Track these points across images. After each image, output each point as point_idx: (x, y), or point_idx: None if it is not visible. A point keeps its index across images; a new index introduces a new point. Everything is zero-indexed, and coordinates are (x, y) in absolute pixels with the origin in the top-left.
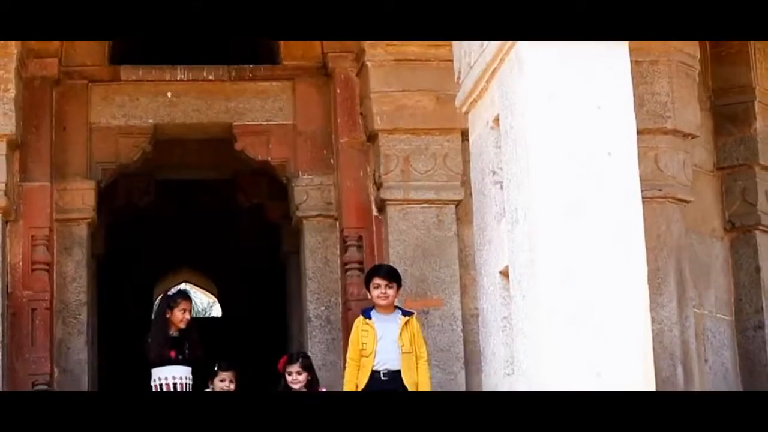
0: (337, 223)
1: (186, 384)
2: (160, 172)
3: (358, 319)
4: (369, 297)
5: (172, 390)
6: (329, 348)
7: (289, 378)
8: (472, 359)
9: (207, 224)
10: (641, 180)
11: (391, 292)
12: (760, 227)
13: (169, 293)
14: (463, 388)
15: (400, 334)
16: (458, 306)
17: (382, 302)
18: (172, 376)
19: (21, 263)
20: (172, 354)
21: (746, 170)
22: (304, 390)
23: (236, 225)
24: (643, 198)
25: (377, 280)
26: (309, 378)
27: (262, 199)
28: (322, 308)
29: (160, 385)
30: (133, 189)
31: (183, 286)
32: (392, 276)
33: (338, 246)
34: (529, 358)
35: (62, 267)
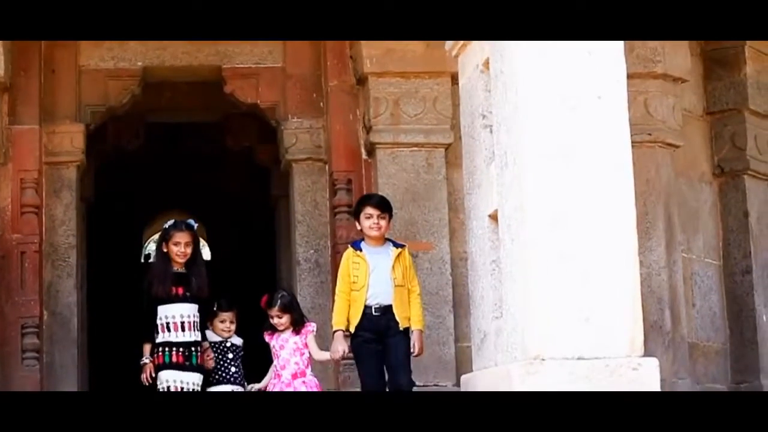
0: (327, 167)
1: (193, 323)
2: (150, 114)
3: (347, 252)
4: (359, 228)
5: (179, 327)
6: (318, 291)
7: (272, 320)
8: (460, 302)
9: (196, 167)
10: (631, 124)
11: (383, 222)
12: (749, 172)
13: (166, 225)
14: (451, 331)
15: (393, 266)
16: (447, 249)
17: (374, 233)
18: (180, 314)
19: (10, 206)
20: (180, 291)
21: (736, 115)
22: (290, 329)
23: (225, 168)
24: (632, 142)
25: (369, 210)
26: (292, 317)
27: (252, 143)
28: (311, 251)
29: (167, 323)
30: (122, 132)
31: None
32: (384, 206)
33: (327, 189)
34: (517, 302)
35: (51, 210)
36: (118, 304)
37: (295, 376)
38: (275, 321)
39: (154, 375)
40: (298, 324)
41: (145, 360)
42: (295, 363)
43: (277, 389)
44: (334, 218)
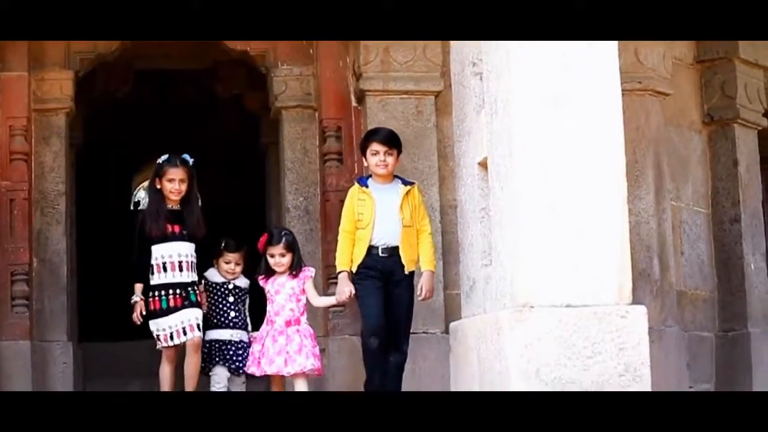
0: (316, 114)
1: (190, 263)
2: (139, 61)
3: (353, 188)
4: (365, 164)
5: (176, 267)
6: (307, 238)
7: (271, 260)
8: (450, 250)
9: (186, 114)
10: (621, 72)
11: (390, 159)
12: (739, 121)
13: (160, 159)
14: (440, 279)
15: (401, 205)
16: (437, 197)
17: (381, 171)
18: (177, 254)
19: None
20: (176, 229)
21: (726, 63)
22: (288, 273)
23: (215, 115)
24: (622, 90)
25: (375, 146)
26: (293, 259)
27: (242, 90)
28: (301, 199)
29: (163, 264)
30: (111, 79)
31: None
32: (392, 141)
33: (317, 136)
34: (506, 249)
35: (40, 157)
36: (108, 252)
37: (288, 324)
38: (275, 261)
39: (144, 313)
40: (296, 267)
41: (136, 298)
42: (290, 309)
43: (269, 336)
44: (324, 165)
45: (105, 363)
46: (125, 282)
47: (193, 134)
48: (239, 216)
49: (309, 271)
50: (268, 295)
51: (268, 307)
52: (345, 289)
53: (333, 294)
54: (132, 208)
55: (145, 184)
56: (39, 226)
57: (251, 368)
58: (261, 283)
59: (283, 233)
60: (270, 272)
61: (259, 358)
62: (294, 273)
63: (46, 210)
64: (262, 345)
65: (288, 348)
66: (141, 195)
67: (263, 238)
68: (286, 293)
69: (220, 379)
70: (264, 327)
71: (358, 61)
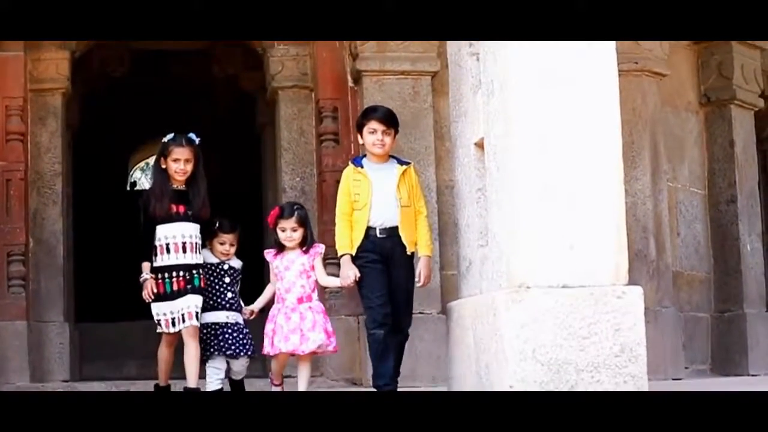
0: (313, 94)
1: (194, 244)
2: (135, 41)
3: (347, 169)
4: (361, 143)
5: (180, 249)
6: None
7: (282, 235)
8: (446, 230)
9: (182, 95)
10: (618, 53)
11: (387, 139)
12: (735, 101)
13: (165, 139)
14: (437, 259)
15: (398, 185)
16: (433, 178)
17: (377, 150)
18: (181, 234)
19: None
20: (180, 209)
21: (723, 45)
22: (299, 249)
23: (211, 96)
24: (619, 71)
25: (373, 124)
26: (304, 234)
27: (237, 70)
28: (297, 179)
29: (167, 245)
30: (107, 59)
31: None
32: (390, 120)
33: (313, 117)
34: (503, 230)
35: (37, 137)
36: (104, 232)
37: (300, 301)
38: (286, 235)
39: (155, 291)
40: (307, 243)
41: (145, 275)
42: (301, 286)
43: (281, 314)
44: (320, 146)
45: (101, 343)
46: (122, 262)
47: (189, 115)
48: (234, 196)
49: (320, 248)
50: (276, 272)
51: (278, 284)
52: (350, 273)
53: (332, 275)
54: (128, 188)
55: (142, 164)
56: (35, 207)
57: (266, 348)
58: (269, 258)
59: (295, 207)
60: (281, 248)
61: (272, 336)
62: (305, 249)
63: (42, 190)
64: (275, 323)
65: (302, 326)
66: (137, 175)
67: (274, 212)
68: (297, 270)
69: (217, 374)
70: (275, 305)
71: (355, 42)
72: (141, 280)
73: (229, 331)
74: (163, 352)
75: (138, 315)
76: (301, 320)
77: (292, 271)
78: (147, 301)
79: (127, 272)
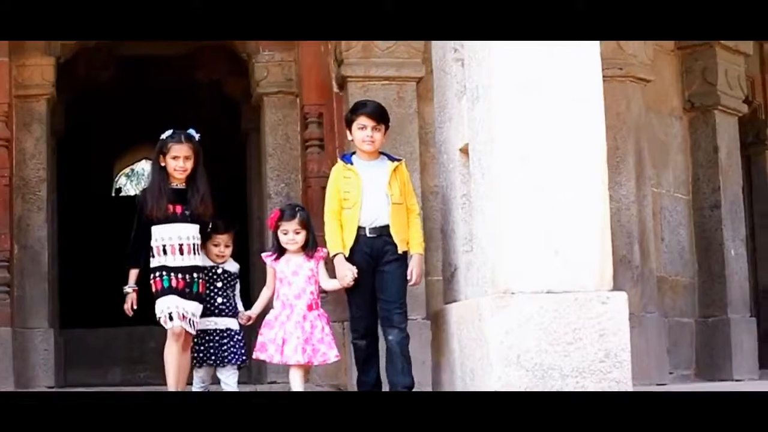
0: (298, 100)
1: (193, 246)
2: (120, 47)
3: (336, 166)
4: (350, 139)
5: (176, 250)
6: None
7: (284, 237)
8: (431, 236)
9: (166, 100)
10: (602, 58)
11: (378, 135)
12: (719, 107)
13: (163, 135)
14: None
15: (389, 182)
16: (418, 183)
17: (367, 147)
18: (177, 236)
19: None
20: (178, 209)
21: (707, 50)
22: (301, 252)
23: (196, 101)
24: (603, 76)
25: (363, 120)
26: (307, 237)
27: (222, 76)
28: (282, 185)
29: (163, 246)
30: (92, 65)
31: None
32: (380, 115)
33: (298, 123)
34: (487, 236)
35: (21, 143)
36: (89, 238)
37: (310, 308)
38: (288, 238)
39: (135, 307)
40: (310, 247)
41: (128, 289)
42: (310, 293)
43: (291, 322)
44: (305, 152)
45: (86, 349)
46: (107, 268)
47: (173, 120)
48: (219, 202)
49: (324, 251)
50: (281, 277)
51: (284, 290)
52: (347, 272)
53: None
54: (113, 194)
55: (127, 170)
56: (20, 213)
57: (275, 357)
58: (270, 262)
59: (297, 209)
60: (281, 251)
61: (282, 345)
62: (309, 253)
63: (27, 196)
64: (284, 331)
65: (312, 336)
66: (122, 181)
67: (274, 215)
68: (305, 275)
69: (199, 384)
70: (280, 311)
71: (340, 47)
72: (124, 291)
73: (216, 338)
74: (172, 352)
75: (123, 321)
76: (312, 329)
77: (301, 277)
78: (128, 314)
79: (113, 278)
